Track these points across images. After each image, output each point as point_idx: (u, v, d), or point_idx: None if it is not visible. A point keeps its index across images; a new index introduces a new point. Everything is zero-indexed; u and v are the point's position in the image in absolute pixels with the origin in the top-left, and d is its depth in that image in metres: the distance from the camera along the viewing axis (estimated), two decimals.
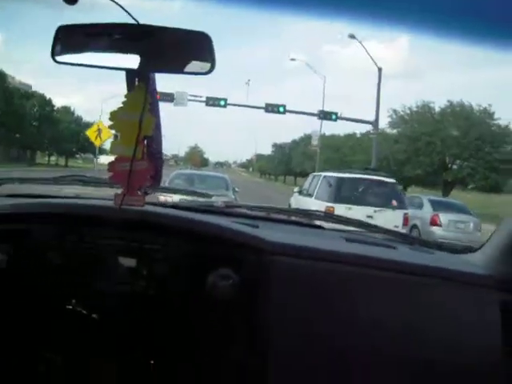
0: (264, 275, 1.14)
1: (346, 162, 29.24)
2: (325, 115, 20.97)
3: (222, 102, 20.95)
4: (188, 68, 1.09)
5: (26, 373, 1.26)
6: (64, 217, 1.24)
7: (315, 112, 21.38)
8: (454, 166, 25.45)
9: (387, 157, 23.39)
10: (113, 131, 1.21)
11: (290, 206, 11.02)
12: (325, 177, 9.29)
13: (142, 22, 1.06)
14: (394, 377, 1.10)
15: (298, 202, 10.34)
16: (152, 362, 1.26)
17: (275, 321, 1.12)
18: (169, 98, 20.09)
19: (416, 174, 24.44)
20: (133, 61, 1.09)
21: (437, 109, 25.80)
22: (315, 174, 10.65)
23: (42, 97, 35.76)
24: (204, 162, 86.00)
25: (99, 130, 17.54)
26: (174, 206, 1.60)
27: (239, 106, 22.03)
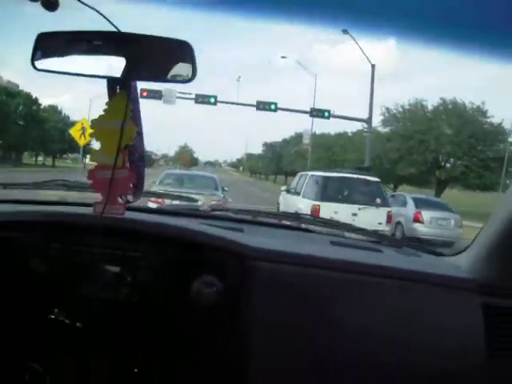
0: (247, 281, 1.16)
1: (338, 161, 29.41)
2: (317, 113, 20.92)
3: (212, 100, 20.75)
4: (169, 76, 1.11)
5: (10, 382, 1.27)
6: (44, 225, 1.25)
7: (307, 110, 21.37)
8: (447, 165, 25.66)
9: (380, 155, 23.55)
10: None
11: (278, 204, 11.65)
12: (312, 176, 9.70)
13: (125, 29, 1.08)
14: (380, 382, 1.13)
15: (287, 200, 10.76)
16: (136, 370, 1.27)
17: (259, 327, 1.14)
18: (157, 95, 19.84)
19: (409, 172, 24.60)
20: (114, 69, 1.10)
21: (429, 107, 26.00)
22: (302, 173, 11.01)
23: (28, 96, 35.36)
24: (194, 162, 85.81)
25: (83, 129, 16.69)
26: (159, 210, 1.61)
27: (229, 103, 21.79)
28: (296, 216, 1.78)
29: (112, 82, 1.15)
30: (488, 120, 24.17)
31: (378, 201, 8.83)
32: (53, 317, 1.23)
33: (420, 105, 26.09)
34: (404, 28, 1.31)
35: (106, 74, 1.13)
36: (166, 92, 19.82)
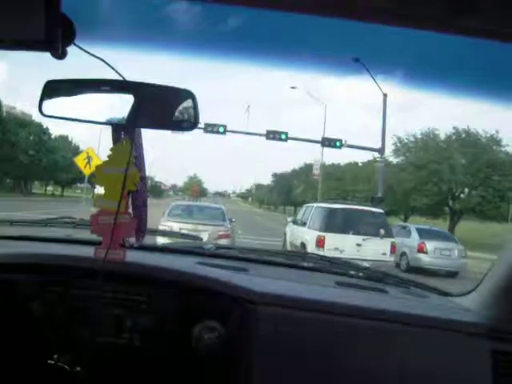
0: (249, 326, 1.16)
1: (349, 192, 29.31)
2: (329, 142, 20.77)
3: (221, 129, 20.64)
4: (173, 124, 1.14)
5: None
6: (45, 267, 1.27)
7: (318, 139, 21.39)
8: (462, 195, 25.41)
9: (392, 186, 23.40)
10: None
11: (285, 234, 12.02)
12: (317, 207, 10.21)
13: (131, 76, 1.13)
14: None
15: (293, 231, 11.19)
16: None
17: (261, 373, 1.13)
18: None
19: (423, 203, 24.38)
20: (119, 116, 1.14)
21: (442, 136, 26.02)
22: (309, 204, 11.57)
23: (38, 125, 36.31)
24: (203, 193, 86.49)
25: (89, 158, 16.41)
26: (163, 248, 1.63)
27: (239, 132, 21.70)
28: (302, 255, 1.78)
29: (117, 128, 1.19)
30: (503, 149, 24.11)
31: (382, 232, 9.07)
32: (52, 362, 1.22)
33: (432, 134, 26.16)
34: (410, 65, 1.35)
35: (111, 121, 1.17)
36: None
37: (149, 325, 1.22)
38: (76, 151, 39.00)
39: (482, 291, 1.27)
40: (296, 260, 1.79)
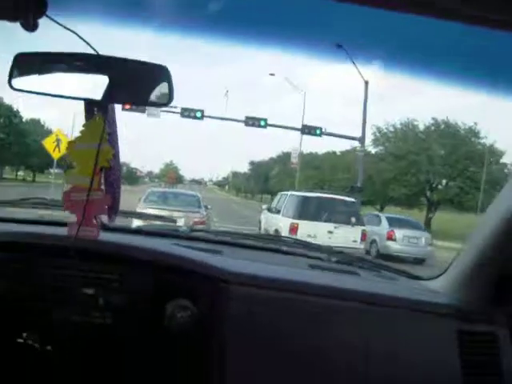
0: (222, 306, 1.19)
1: (327, 181, 29.51)
2: (309, 130, 20.63)
3: (199, 114, 20.21)
4: (147, 99, 1.15)
5: None
6: (17, 246, 1.27)
7: (298, 127, 21.19)
8: (439, 186, 25.91)
9: (371, 176, 23.74)
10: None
11: (260, 222, 12.55)
12: (291, 195, 10.74)
13: (109, 51, 1.12)
14: None
15: (268, 218, 11.73)
16: None
17: (233, 352, 1.16)
18: (141, 107, 18.84)
19: (401, 193, 24.80)
20: (91, 91, 1.14)
21: (421, 127, 26.39)
22: (283, 193, 12.09)
23: (8, 108, 35.11)
24: (179, 180, 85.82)
25: (58, 141, 15.45)
26: (137, 231, 1.63)
27: (217, 118, 21.30)
28: (277, 238, 1.81)
29: (89, 103, 1.18)
30: (481, 141, 24.65)
31: (353, 220, 9.68)
32: (21, 340, 1.22)
33: (411, 125, 26.50)
34: (389, 51, 1.38)
35: (84, 96, 1.16)
36: None
37: (121, 303, 1.23)
38: (49, 135, 37.83)
39: (450, 275, 1.32)
40: (271, 243, 1.83)
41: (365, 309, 1.21)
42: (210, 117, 20.97)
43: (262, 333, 1.17)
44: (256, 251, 1.70)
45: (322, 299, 1.21)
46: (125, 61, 1.11)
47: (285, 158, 40.80)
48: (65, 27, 1.05)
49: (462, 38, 1.07)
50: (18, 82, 1.16)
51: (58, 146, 15.37)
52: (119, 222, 1.47)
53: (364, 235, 9.92)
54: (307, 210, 9.76)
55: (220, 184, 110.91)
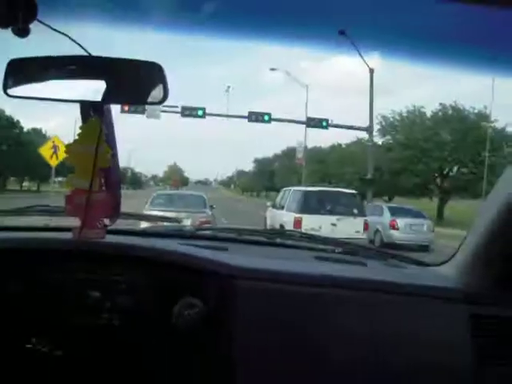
0: (230, 301, 1.20)
1: (334, 175, 29.37)
2: (314, 123, 20.22)
3: (200, 112, 19.76)
4: (142, 98, 1.16)
5: None
6: (23, 252, 1.29)
7: (303, 120, 20.81)
8: (451, 173, 25.59)
9: (379, 167, 23.55)
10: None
11: (265, 218, 12.93)
12: (294, 191, 11.27)
13: (99, 52, 1.13)
14: None
15: (272, 214, 12.18)
16: None
17: (243, 348, 1.18)
18: (140, 109, 18.62)
19: (413, 183, 24.54)
20: (86, 93, 1.15)
21: (428, 113, 26.02)
22: (286, 188, 12.55)
23: (8, 119, 35.39)
24: (184, 181, 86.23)
25: (55, 147, 15.05)
26: (141, 232, 1.65)
27: (219, 115, 20.91)
28: (281, 232, 1.82)
29: (85, 105, 1.20)
30: (492, 125, 24.22)
31: (356, 211, 10.22)
32: (31, 346, 1.25)
33: (418, 112, 26.23)
34: (389, 42, 1.37)
35: (79, 98, 1.18)
36: (150, 105, 19.60)
37: (129, 304, 1.25)
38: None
39: (458, 259, 1.32)
40: (276, 238, 1.84)
41: (374, 297, 1.22)
42: (211, 114, 20.60)
43: (271, 326, 1.18)
44: (262, 246, 1.71)
45: (331, 290, 1.22)
46: (117, 60, 1.13)
47: (289, 153, 40.81)
48: (56, 30, 1.06)
49: (466, 20, 1.07)
50: (13, 88, 1.17)
51: (55, 152, 15.11)
52: (123, 224, 1.49)
53: (366, 225, 10.28)
54: (310, 204, 10.16)
55: (225, 183, 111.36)
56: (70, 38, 1.10)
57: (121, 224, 1.40)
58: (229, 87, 24.38)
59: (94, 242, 1.23)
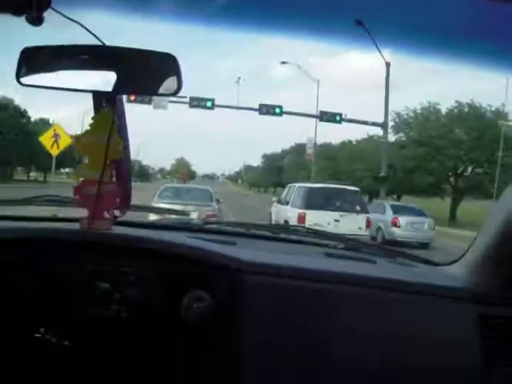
0: (238, 296, 1.21)
1: (344, 172, 29.14)
2: (328, 117, 19.91)
3: (209, 103, 19.52)
4: (155, 89, 1.17)
5: None
6: (31, 242, 1.31)
7: (316, 114, 20.64)
8: (465, 173, 25.27)
9: (392, 164, 23.36)
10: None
11: (270, 214, 13.39)
12: (299, 187, 11.75)
13: (112, 41, 1.14)
14: None
15: (278, 209, 12.67)
16: None
17: (251, 342, 1.19)
18: (147, 99, 18.35)
19: (427, 182, 24.30)
20: (99, 82, 1.17)
21: (443, 110, 25.72)
22: (291, 184, 13.01)
23: (16, 108, 35.62)
24: (191, 175, 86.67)
25: (56, 136, 14.67)
26: (149, 224, 1.67)
27: (228, 107, 20.67)
28: (289, 228, 1.83)
29: (97, 95, 1.21)
30: (510, 123, 23.83)
31: (358, 208, 10.61)
32: (39, 335, 1.27)
33: (433, 108, 25.95)
34: (398, 38, 1.37)
35: (92, 88, 1.19)
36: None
37: (137, 296, 1.26)
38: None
39: (467, 259, 1.33)
40: (284, 233, 1.86)
41: (383, 295, 1.22)
42: (221, 106, 20.32)
43: (279, 321, 1.20)
44: (269, 241, 1.72)
45: (339, 286, 1.23)
46: (132, 51, 1.14)
47: (298, 149, 40.70)
48: (70, 19, 1.08)
49: (477, 15, 1.06)
50: (26, 77, 1.19)
51: (56, 141, 14.70)
52: (132, 216, 1.51)
53: (368, 222, 10.63)
54: (314, 200, 10.56)
55: (232, 178, 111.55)
56: (83, 26, 1.12)
57: (129, 216, 1.42)
58: (239, 78, 24.14)
59: (103, 233, 1.24)
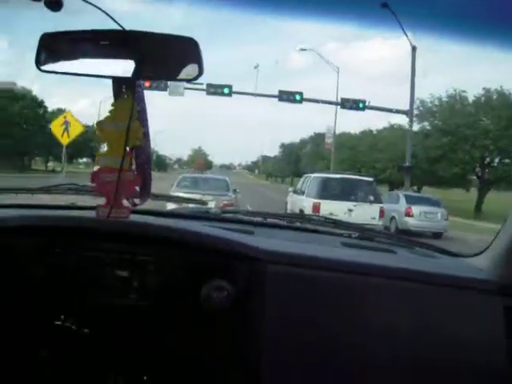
0: (258, 285, 1.22)
1: (364, 162, 28.75)
2: (350, 104, 19.35)
3: (226, 90, 19.17)
4: (176, 74, 1.16)
5: None
6: (49, 229, 1.33)
7: (337, 101, 20.09)
8: (493, 164, 24.72)
9: (415, 154, 22.91)
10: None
11: (286, 203, 14.02)
12: (314, 177, 12.11)
13: (132, 26, 1.14)
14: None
15: (293, 199, 13.11)
16: (145, 377, 1.33)
17: (270, 331, 1.20)
18: (162, 85, 18.05)
19: (454, 172, 23.88)
20: (119, 68, 1.17)
21: (470, 98, 25.12)
22: (306, 175, 13.49)
23: (33, 98, 36.15)
24: (208, 165, 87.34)
25: (66, 124, 14.01)
26: (167, 213, 1.69)
27: (247, 94, 20.32)
28: (307, 217, 1.83)
29: (118, 81, 1.21)
30: None
31: (372, 198, 10.95)
32: (59, 323, 1.30)
33: (459, 96, 25.40)
34: (424, 21, 1.34)
35: (112, 74, 1.19)
36: (173, 82, 16.39)
37: (156, 285, 1.28)
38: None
39: (493, 251, 1.31)
40: (302, 222, 1.86)
41: (405, 286, 1.21)
42: (239, 93, 20.04)
43: (300, 311, 1.20)
44: (287, 230, 1.73)
45: (360, 277, 1.22)
46: (152, 35, 1.13)
47: (317, 139, 40.42)
48: (89, 3, 1.08)
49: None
50: (45, 63, 1.19)
51: (66, 129, 14.01)
52: (150, 205, 1.52)
53: (382, 212, 10.90)
54: (328, 190, 11.00)
55: (249, 168, 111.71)
56: (103, 11, 1.12)
57: (147, 205, 1.44)
58: (258, 65, 23.54)
59: (121, 221, 1.25)
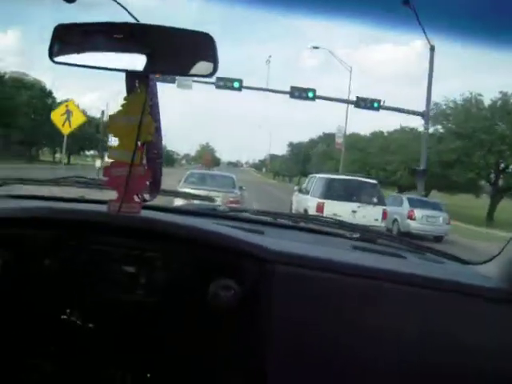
0: (266, 285, 1.22)
1: (375, 164, 28.54)
2: (365, 103, 19.20)
3: (236, 84, 18.95)
4: (190, 69, 1.16)
5: (18, 382, 1.36)
6: (58, 222, 1.34)
7: (351, 100, 19.96)
8: (507, 170, 24.52)
9: (428, 158, 22.71)
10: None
11: (291, 202, 14.64)
12: (319, 178, 12.50)
13: (146, 20, 1.14)
14: None
15: (298, 198, 13.60)
16: (148, 375, 1.34)
17: (277, 332, 1.20)
18: (170, 78, 17.13)
19: (467, 178, 23.68)
20: (133, 62, 1.17)
21: (486, 102, 24.94)
22: (311, 175, 13.91)
23: (42, 88, 36.36)
24: (216, 162, 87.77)
25: (68, 113, 13.56)
26: (176, 209, 1.69)
27: (257, 89, 20.18)
28: (315, 218, 1.83)
29: (131, 75, 1.21)
30: None
31: (375, 200, 11.28)
32: (65, 317, 1.31)
33: (475, 100, 25.22)
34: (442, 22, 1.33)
35: (125, 68, 1.19)
36: None
37: (164, 281, 1.28)
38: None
39: (502, 259, 1.31)
40: (311, 223, 1.86)
41: (415, 292, 1.21)
42: (249, 87, 19.84)
43: (307, 313, 1.20)
44: (295, 231, 1.73)
45: (369, 281, 1.22)
46: (166, 29, 1.13)
47: (326, 139, 40.35)
48: None
49: None
50: (59, 55, 1.19)
51: (68, 119, 13.57)
52: (158, 201, 1.53)
53: (385, 214, 11.30)
54: (333, 191, 11.35)
55: (257, 166, 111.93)
56: (118, 2, 1.12)
57: (154, 200, 1.44)
58: (270, 56, 23.48)
59: (130, 216, 1.26)
